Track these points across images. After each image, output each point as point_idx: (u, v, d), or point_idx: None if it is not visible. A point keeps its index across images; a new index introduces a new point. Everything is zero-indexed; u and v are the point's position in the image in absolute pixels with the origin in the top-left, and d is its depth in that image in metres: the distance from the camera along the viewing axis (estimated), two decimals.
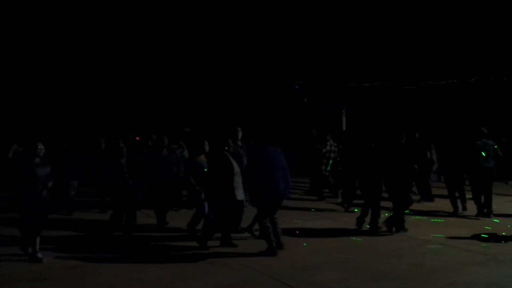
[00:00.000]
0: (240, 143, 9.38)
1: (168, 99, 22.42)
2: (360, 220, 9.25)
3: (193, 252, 7.68)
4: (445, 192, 11.23)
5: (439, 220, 10.12)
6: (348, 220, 9.86)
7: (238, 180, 7.84)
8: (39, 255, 7.03)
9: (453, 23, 20.22)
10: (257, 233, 8.13)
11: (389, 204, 9.11)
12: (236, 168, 7.87)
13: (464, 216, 10.59)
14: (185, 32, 22.16)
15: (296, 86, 19.56)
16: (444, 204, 11.23)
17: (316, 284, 6.11)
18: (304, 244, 7.62)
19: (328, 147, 12.49)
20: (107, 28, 21.06)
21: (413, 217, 10.06)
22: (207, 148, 8.62)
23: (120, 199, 8.34)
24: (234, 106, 22.35)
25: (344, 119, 19.44)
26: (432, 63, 20.12)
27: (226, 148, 8.09)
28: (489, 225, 9.63)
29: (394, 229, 8.80)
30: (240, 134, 9.18)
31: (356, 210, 11.21)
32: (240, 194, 7.85)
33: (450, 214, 10.66)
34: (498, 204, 12.26)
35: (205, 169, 8.14)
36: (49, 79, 20.66)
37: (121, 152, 8.48)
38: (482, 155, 10.62)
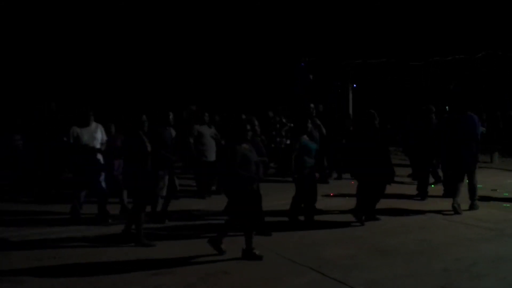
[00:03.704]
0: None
1: (173, 78, 22.37)
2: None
3: (200, 229, 7.69)
4: None
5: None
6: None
7: None
8: (257, 251, 6.24)
9: None
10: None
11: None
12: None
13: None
14: (186, 10, 22.03)
15: (302, 64, 19.41)
16: None
17: (324, 260, 6.12)
18: None
19: None
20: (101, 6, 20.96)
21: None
22: (309, 126, 8.25)
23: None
24: (240, 84, 22.30)
25: (350, 95, 19.31)
26: (439, 39, 19.90)
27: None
28: (497, 201, 9.62)
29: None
30: (314, 111, 8.95)
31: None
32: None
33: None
34: (506, 179, 12.24)
35: (312, 149, 7.93)
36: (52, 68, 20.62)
37: (246, 132, 6.89)
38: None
